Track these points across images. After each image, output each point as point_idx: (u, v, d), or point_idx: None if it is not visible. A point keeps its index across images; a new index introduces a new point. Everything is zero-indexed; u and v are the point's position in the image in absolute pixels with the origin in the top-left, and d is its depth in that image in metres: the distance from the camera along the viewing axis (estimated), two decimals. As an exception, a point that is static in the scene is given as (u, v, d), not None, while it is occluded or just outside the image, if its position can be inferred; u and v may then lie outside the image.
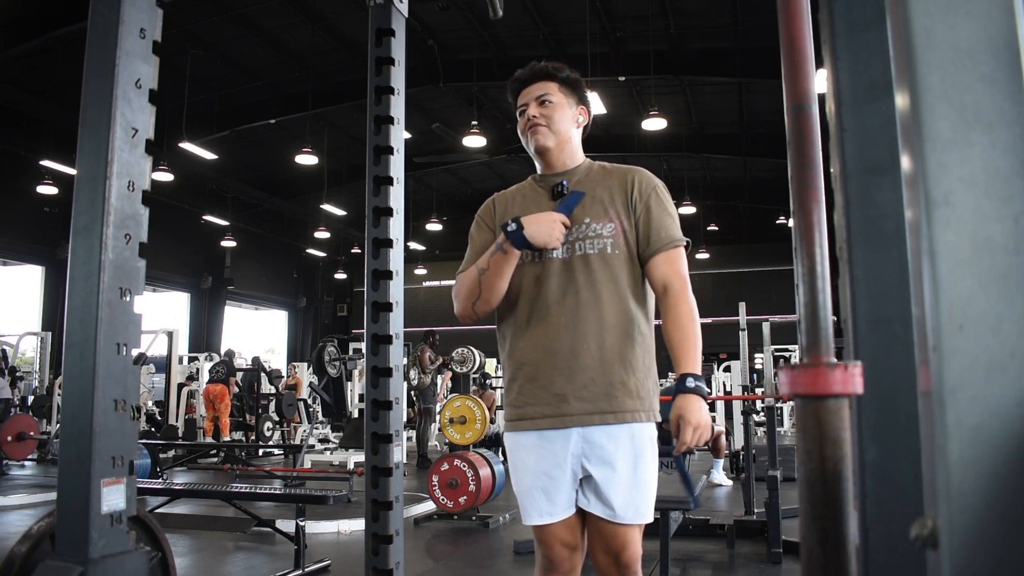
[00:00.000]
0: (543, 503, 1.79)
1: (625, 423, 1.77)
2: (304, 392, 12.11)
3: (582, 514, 1.82)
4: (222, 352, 13.31)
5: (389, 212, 1.88)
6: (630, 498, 1.75)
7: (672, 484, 3.78)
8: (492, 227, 1.97)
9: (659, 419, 1.84)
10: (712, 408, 10.63)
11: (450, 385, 11.99)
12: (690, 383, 1.66)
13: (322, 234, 20.53)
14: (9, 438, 8.17)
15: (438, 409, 9.58)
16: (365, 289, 1.90)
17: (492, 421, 7.15)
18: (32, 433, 8.41)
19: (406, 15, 1.99)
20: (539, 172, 1.98)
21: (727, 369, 13.20)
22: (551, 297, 1.81)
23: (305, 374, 12.64)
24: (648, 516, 1.80)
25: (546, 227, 1.75)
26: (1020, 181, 0.61)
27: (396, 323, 1.88)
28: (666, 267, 1.81)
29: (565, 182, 1.90)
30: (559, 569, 1.83)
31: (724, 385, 13.16)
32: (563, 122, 1.92)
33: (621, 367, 1.77)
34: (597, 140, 16.11)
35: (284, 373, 14.20)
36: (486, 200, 2.05)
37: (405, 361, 8.95)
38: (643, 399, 1.80)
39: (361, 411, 9.15)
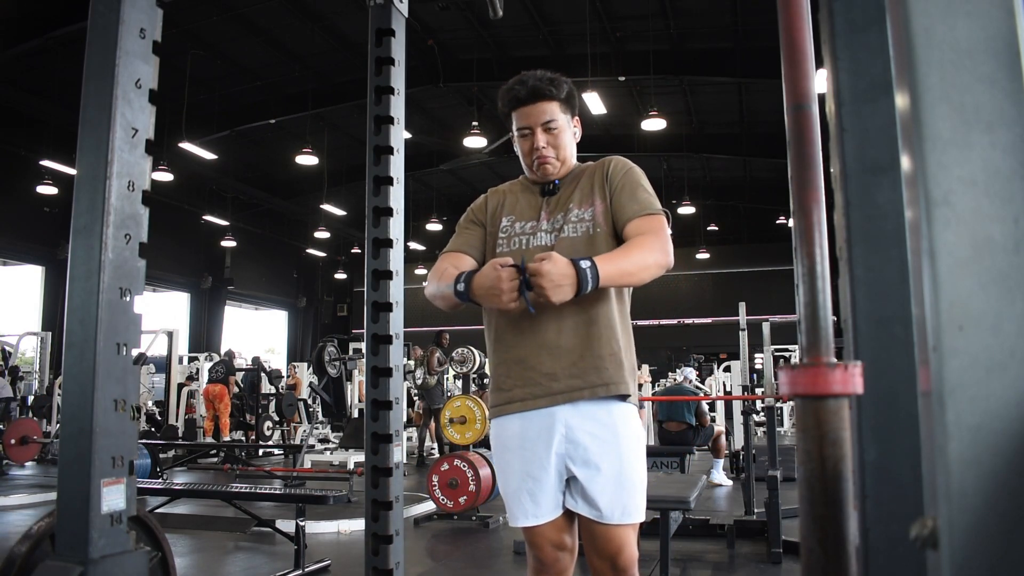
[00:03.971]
0: (528, 505, 1.79)
1: (617, 396, 1.77)
2: (304, 392, 12.10)
3: (573, 516, 1.82)
4: (222, 352, 13.29)
5: (389, 212, 1.88)
6: (616, 498, 1.75)
7: (672, 484, 3.78)
8: (483, 222, 1.99)
9: (640, 405, 1.85)
10: (712, 408, 10.63)
11: (459, 384, 11.96)
12: (583, 263, 1.61)
13: (322, 234, 20.53)
14: (13, 441, 8.17)
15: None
16: (365, 289, 1.90)
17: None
18: (36, 437, 8.41)
19: (406, 15, 1.99)
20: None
21: (727, 369, 13.19)
22: None
23: (305, 374, 12.63)
24: (638, 515, 1.78)
25: (489, 279, 1.67)
26: (1020, 181, 0.61)
27: (396, 323, 1.88)
28: (639, 224, 1.78)
29: (557, 180, 1.93)
30: (550, 571, 1.82)
31: (724, 385, 13.15)
32: (569, 147, 1.93)
33: (608, 344, 1.78)
34: (597, 140, 16.11)
35: (284, 373, 14.19)
36: (481, 195, 2.06)
37: (407, 361, 8.99)
38: (627, 372, 1.81)
39: (361, 411, 9.15)
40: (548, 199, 1.92)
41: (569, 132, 1.94)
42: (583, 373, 1.76)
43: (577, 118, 1.99)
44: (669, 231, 1.82)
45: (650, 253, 1.72)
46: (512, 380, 1.82)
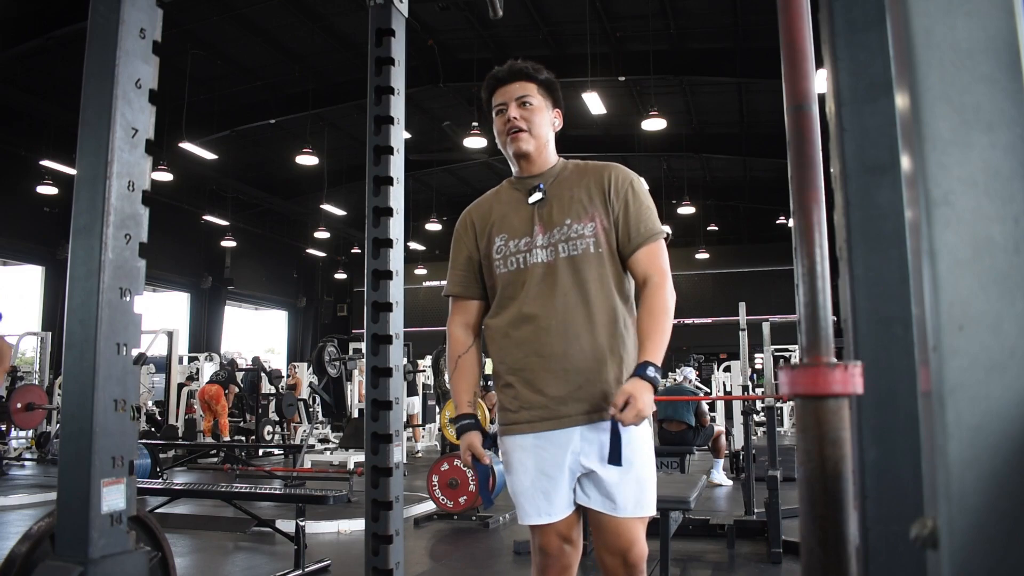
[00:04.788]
0: (542, 503, 1.80)
1: None
2: (304, 392, 12.11)
3: (579, 511, 1.83)
4: (222, 354, 13.29)
5: (389, 212, 1.89)
6: (631, 491, 1.76)
7: (672, 484, 3.78)
8: (472, 247, 1.94)
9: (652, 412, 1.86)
10: (712, 408, 10.64)
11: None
12: (650, 372, 1.70)
13: (322, 234, 20.53)
14: (19, 405, 8.13)
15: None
16: (365, 289, 1.90)
17: (492, 421, 7.15)
18: (41, 403, 8.36)
19: (406, 15, 1.99)
20: (516, 174, 1.96)
21: (727, 369, 13.18)
22: (539, 300, 1.81)
23: (305, 374, 12.63)
24: (650, 509, 1.80)
25: (461, 451, 1.90)
26: (1020, 181, 0.61)
27: (396, 323, 1.88)
28: (647, 261, 1.83)
29: (542, 184, 1.89)
30: (556, 564, 1.83)
31: (724, 385, 13.15)
32: (543, 126, 1.90)
33: (614, 364, 1.79)
34: (597, 140, 16.11)
35: (284, 373, 14.18)
36: (461, 215, 1.99)
37: (405, 362, 8.98)
38: None
39: (361, 411, 9.14)
40: (540, 210, 1.87)
41: (546, 116, 1.91)
42: (590, 398, 1.77)
43: (559, 111, 1.96)
44: (666, 250, 1.87)
45: (669, 307, 1.80)
46: (519, 402, 1.82)
